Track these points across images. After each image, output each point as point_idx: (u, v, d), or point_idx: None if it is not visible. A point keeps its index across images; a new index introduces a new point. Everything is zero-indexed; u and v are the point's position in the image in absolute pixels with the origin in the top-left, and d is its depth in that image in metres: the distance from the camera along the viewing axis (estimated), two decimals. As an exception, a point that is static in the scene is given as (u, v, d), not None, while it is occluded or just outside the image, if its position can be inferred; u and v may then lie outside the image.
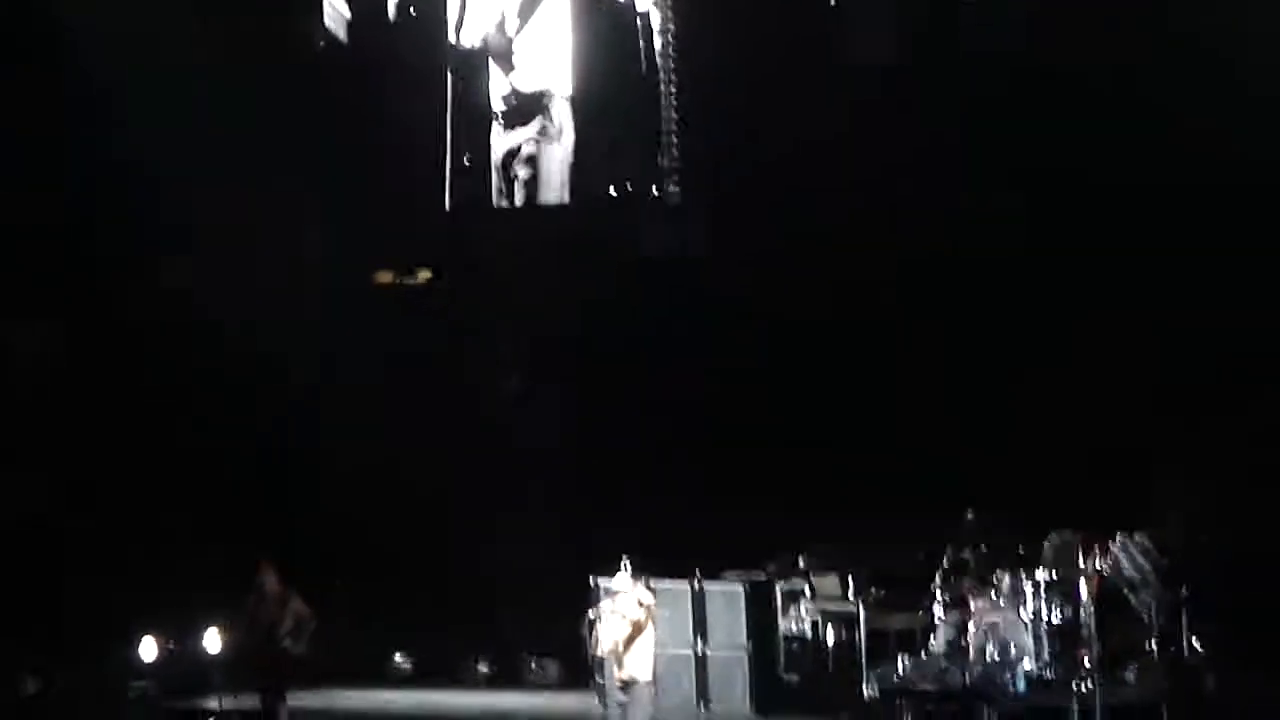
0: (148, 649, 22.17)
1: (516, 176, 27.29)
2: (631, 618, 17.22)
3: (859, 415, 22.73)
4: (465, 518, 25.04)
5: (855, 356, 23.14)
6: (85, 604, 23.38)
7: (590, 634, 17.25)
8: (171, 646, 22.99)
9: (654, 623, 18.44)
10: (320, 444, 25.28)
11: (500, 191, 27.30)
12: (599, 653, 17.21)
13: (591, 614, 17.48)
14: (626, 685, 17.20)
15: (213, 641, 21.85)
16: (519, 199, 27.28)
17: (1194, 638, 19.88)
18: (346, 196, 26.34)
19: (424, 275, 26.95)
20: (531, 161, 27.37)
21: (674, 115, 26.13)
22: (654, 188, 26.21)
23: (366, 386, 25.00)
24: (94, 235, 25.43)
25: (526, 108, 27.47)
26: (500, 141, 27.46)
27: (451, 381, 26.32)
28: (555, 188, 27.23)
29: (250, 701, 21.58)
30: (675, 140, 26.16)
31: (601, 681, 21.47)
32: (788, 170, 24.48)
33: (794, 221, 24.54)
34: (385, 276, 27.00)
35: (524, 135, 27.46)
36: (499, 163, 27.40)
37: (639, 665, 17.28)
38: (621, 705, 17.13)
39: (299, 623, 19.64)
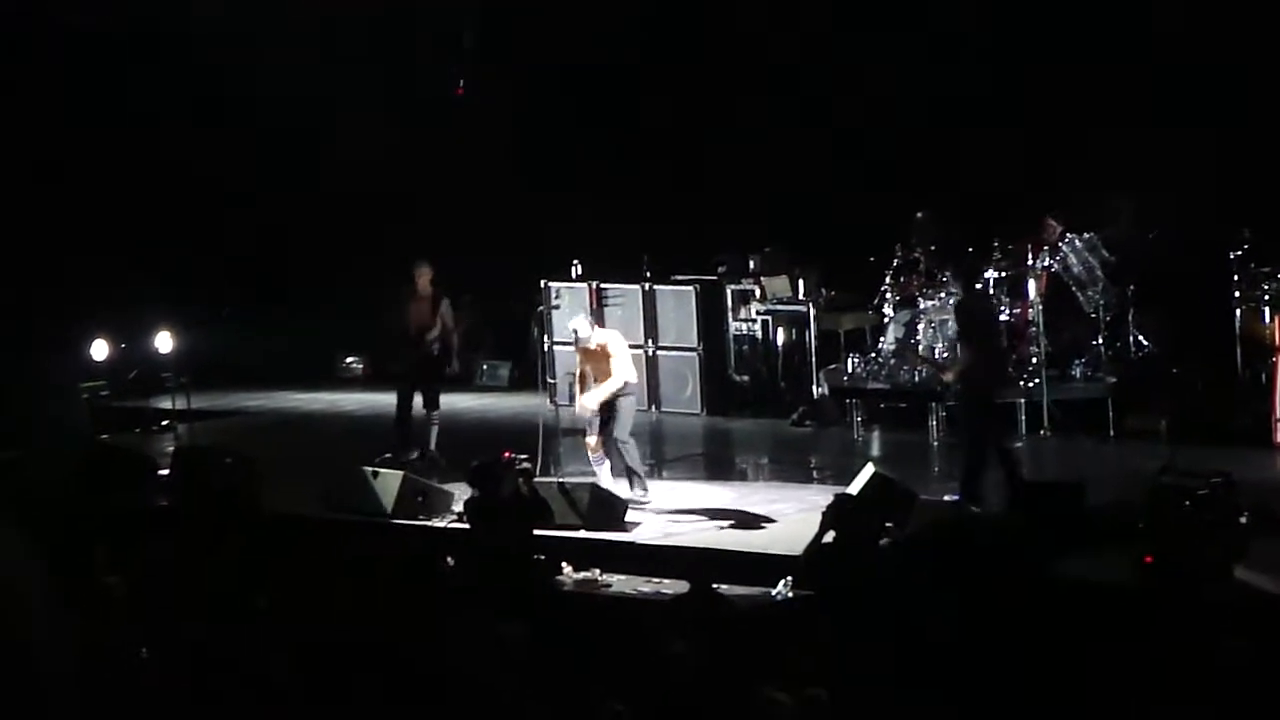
0: (99, 350, 22.20)
1: None
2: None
3: (816, 114, 22.53)
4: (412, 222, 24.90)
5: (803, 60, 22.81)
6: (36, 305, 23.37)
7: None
8: (123, 346, 23.07)
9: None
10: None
11: None
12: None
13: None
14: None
15: (164, 343, 21.90)
16: None
17: (1139, 334, 20.11)
18: None
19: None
20: None
21: None
22: None
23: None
24: None
25: None
26: None
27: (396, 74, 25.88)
28: None
29: (198, 403, 21.74)
30: None
31: (552, 381, 21.67)
32: None
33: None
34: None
35: None
36: None
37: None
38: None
39: (444, 327, 19.28)
